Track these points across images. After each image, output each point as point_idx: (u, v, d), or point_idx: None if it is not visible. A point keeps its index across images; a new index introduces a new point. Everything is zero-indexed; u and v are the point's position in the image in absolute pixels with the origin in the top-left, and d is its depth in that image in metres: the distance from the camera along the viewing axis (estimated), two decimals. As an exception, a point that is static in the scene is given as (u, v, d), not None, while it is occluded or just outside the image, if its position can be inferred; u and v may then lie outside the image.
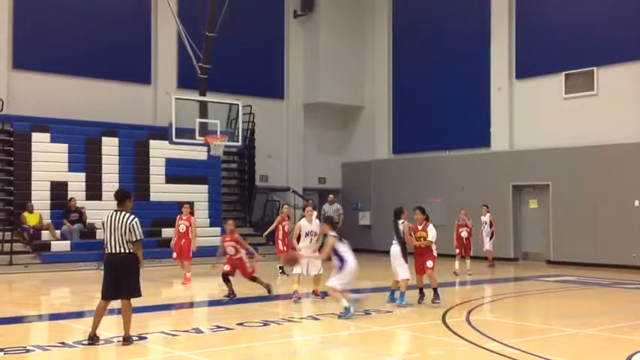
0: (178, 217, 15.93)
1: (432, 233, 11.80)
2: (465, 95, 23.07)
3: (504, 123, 22.11)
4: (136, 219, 8.72)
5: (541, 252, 21.10)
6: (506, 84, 22.06)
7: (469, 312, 11.20)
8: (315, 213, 12.95)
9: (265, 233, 18.10)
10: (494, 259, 19.70)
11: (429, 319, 10.73)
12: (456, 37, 23.51)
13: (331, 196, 22.55)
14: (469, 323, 10.23)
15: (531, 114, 21.51)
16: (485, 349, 8.43)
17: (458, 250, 17.64)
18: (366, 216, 25.46)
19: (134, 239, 8.66)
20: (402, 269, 11.76)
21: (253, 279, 12.95)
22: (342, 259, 10.80)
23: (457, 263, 17.41)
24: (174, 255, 15.68)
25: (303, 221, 12.74)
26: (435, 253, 11.92)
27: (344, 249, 10.89)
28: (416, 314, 11.15)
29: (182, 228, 15.61)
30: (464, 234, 17.78)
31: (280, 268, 16.70)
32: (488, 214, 19.42)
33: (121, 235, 8.60)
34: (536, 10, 21.68)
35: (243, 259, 12.86)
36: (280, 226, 16.91)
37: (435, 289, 11.69)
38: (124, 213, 8.73)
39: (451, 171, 23.08)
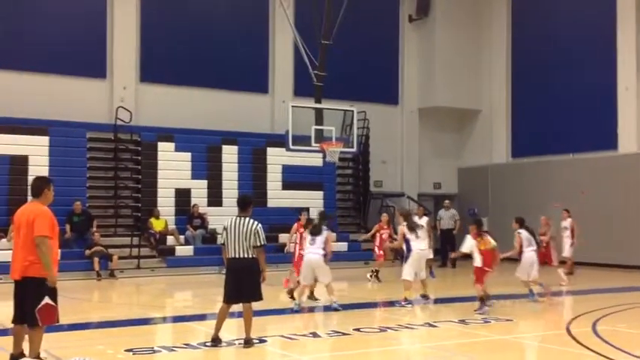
0: (297, 224, 16.08)
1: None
2: (589, 95, 22.04)
3: (632, 124, 20.95)
4: (260, 225, 8.89)
5: (675, 260, 19.82)
6: (635, 83, 20.88)
7: (595, 322, 10.68)
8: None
9: (361, 238, 18.07)
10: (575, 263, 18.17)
11: (552, 328, 10.34)
12: (579, 35, 22.54)
13: (447, 201, 22.23)
14: (596, 333, 9.75)
15: (662, 114, 20.30)
16: (613, 360, 8.02)
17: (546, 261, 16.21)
18: (483, 222, 24.79)
19: (258, 244, 8.82)
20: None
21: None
22: None
23: (560, 272, 16.32)
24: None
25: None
26: (476, 263, 11.74)
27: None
28: (538, 324, 10.76)
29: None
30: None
31: (375, 272, 16.94)
32: (569, 219, 17.75)
33: (245, 240, 8.77)
34: (666, 3, 20.47)
35: None
36: (378, 234, 17.00)
37: (479, 299, 11.57)
38: (247, 219, 8.90)
39: (575, 175, 22.08)
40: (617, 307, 12.34)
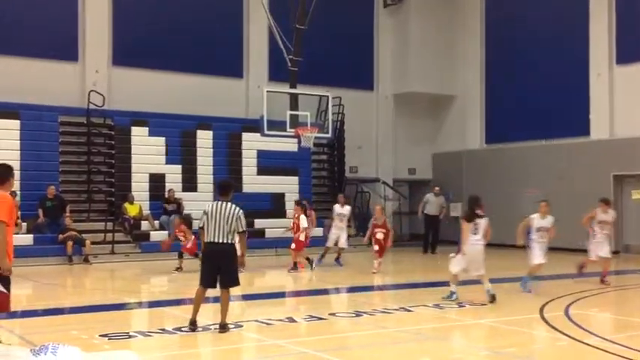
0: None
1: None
2: (562, 82, 22.25)
3: (604, 110, 21.22)
4: (242, 210, 8.83)
5: (644, 245, 20.20)
6: (607, 70, 21.14)
7: (568, 306, 10.83)
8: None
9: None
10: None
11: (525, 312, 10.46)
12: (552, 22, 22.71)
13: (437, 188, 22.06)
14: (568, 317, 9.90)
15: (633, 100, 20.55)
16: (585, 343, 8.14)
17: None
18: (457, 207, 24.95)
19: (241, 230, 8.79)
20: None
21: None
22: None
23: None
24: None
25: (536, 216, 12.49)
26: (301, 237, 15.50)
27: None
28: (512, 308, 10.89)
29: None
30: (379, 235, 15.46)
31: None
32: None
33: (227, 224, 8.70)
34: (638, -9, 20.69)
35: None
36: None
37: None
38: (229, 203, 8.83)
39: (547, 161, 22.34)
40: (589, 292, 12.55)
